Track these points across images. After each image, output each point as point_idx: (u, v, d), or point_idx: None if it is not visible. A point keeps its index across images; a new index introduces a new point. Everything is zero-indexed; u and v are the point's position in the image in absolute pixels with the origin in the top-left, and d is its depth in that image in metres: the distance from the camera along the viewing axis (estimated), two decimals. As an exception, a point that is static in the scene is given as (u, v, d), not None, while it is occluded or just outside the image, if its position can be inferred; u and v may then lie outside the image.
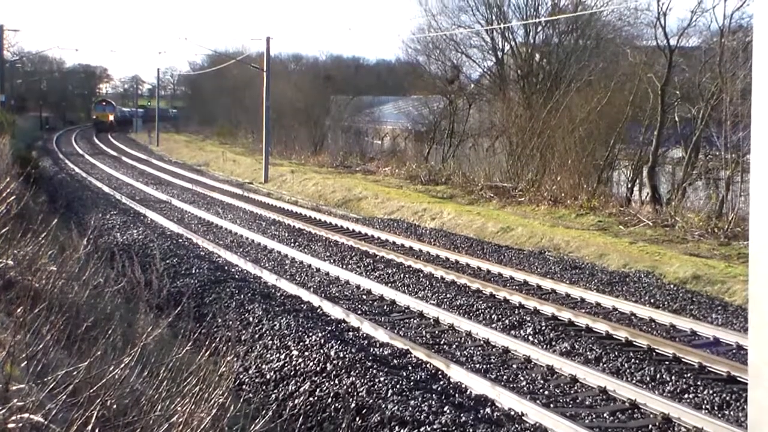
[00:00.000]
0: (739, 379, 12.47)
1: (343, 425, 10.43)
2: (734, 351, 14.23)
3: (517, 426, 10.74)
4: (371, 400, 11.25)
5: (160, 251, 21.30)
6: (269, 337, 14.40)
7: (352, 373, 12.24)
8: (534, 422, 10.74)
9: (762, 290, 3.56)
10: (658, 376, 12.72)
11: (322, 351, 13.24)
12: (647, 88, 34.06)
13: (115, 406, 6.69)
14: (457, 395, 11.74)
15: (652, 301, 17.81)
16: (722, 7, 39.23)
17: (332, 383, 11.98)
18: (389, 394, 11.41)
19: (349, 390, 11.64)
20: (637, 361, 13.39)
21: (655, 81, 33.19)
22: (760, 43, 3.57)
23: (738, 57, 29.44)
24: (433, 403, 11.06)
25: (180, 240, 25.29)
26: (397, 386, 11.65)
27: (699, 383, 12.34)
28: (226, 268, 21.05)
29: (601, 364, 13.41)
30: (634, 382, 12.50)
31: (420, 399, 11.18)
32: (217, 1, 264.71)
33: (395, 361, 13.28)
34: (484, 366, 13.38)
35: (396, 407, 10.94)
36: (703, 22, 35.28)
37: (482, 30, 46.08)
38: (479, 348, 14.37)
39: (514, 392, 11.71)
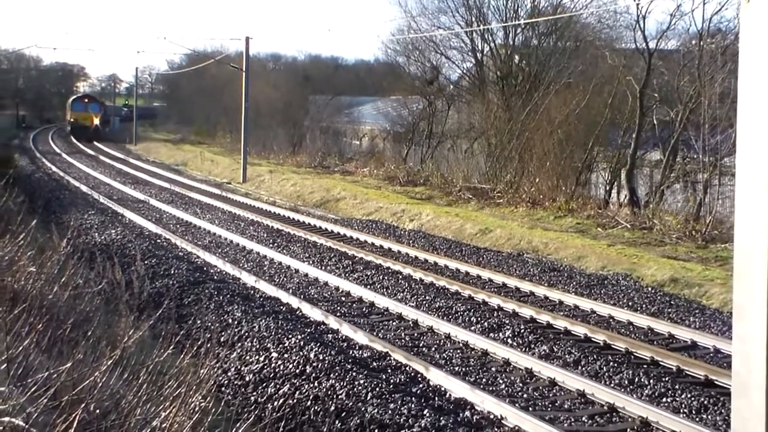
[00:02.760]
0: (716, 382, 12.54)
1: (323, 428, 10.44)
2: (712, 355, 14.30)
3: (496, 429, 10.79)
4: (351, 403, 11.25)
5: (138, 252, 21.21)
6: (249, 339, 14.37)
7: (331, 375, 12.23)
8: (513, 425, 10.76)
9: (747, 301, 3.59)
10: (636, 379, 12.76)
11: (301, 353, 13.23)
12: (626, 91, 34.16)
13: (96, 410, 6.67)
14: (436, 398, 11.76)
15: (630, 304, 17.85)
16: (701, 11, 39.36)
17: (312, 386, 11.97)
18: (369, 397, 11.41)
19: (329, 393, 11.64)
20: (615, 365, 13.43)
21: (634, 84, 33.27)
22: (746, 47, 3.60)
23: (716, 60, 29.55)
24: (413, 406, 11.06)
25: (158, 240, 25.22)
26: (377, 389, 11.65)
27: (677, 387, 12.39)
28: (204, 269, 20.99)
29: (579, 368, 13.45)
30: (612, 385, 12.53)
31: (399, 402, 11.18)
32: (196, 1, 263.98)
33: (375, 364, 13.28)
34: (464, 369, 13.40)
35: (375, 410, 10.95)
36: (682, 25, 35.38)
37: (462, 31, 46.11)
38: (458, 351, 14.39)
39: (493, 395, 11.73)
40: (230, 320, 15.53)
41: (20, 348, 7.38)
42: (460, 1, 45.53)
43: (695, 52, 31.52)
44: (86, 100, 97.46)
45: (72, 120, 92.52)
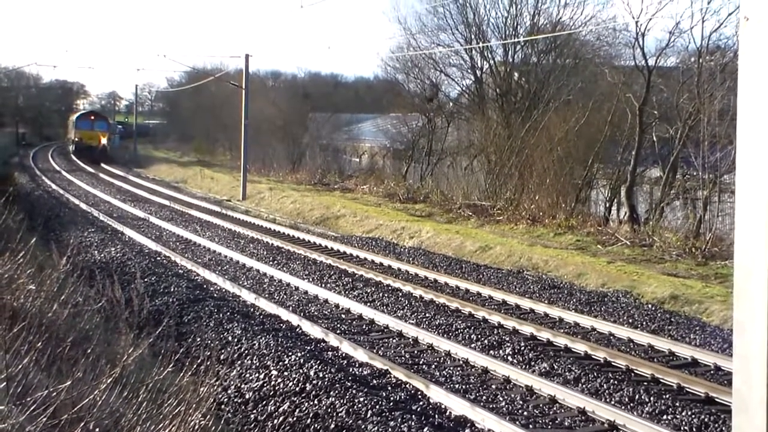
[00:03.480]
0: (717, 400, 12.51)
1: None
2: (712, 372, 14.27)
3: (497, 447, 10.76)
4: (351, 421, 11.22)
5: (138, 269, 21.18)
6: (248, 357, 14.35)
7: (331, 393, 12.21)
8: (514, 443, 10.75)
9: (747, 317, 3.58)
10: (636, 397, 12.74)
11: (301, 371, 13.21)
12: (625, 108, 34.19)
13: (96, 429, 6.65)
14: (436, 416, 11.72)
15: (630, 321, 17.83)
16: (700, 28, 39.31)
17: (312, 403, 11.95)
18: (369, 415, 11.38)
19: (329, 410, 11.61)
20: (615, 382, 13.40)
21: (633, 101, 33.30)
22: (745, 64, 3.61)
23: (716, 77, 29.60)
24: (413, 423, 11.04)
25: (158, 258, 25.18)
26: (377, 407, 11.62)
27: (678, 404, 12.36)
28: (204, 286, 20.98)
29: (580, 385, 13.42)
30: (613, 403, 12.51)
31: (400, 420, 11.16)
32: (195, 18, 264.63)
33: (375, 381, 13.25)
34: (464, 386, 13.37)
35: (376, 428, 10.92)
36: (681, 42, 35.31)
37: (461, 49, 46.19)
38: (459, 368, 14.36)
39: (493, 413, 11.70)
40: (230, 338, 15.51)
41: (19, 366, 7.37)
42: (460, 18, 45.74)
43: (694, 70, 31.57)
44: (92, 117, 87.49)
45: (76, 139, 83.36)
